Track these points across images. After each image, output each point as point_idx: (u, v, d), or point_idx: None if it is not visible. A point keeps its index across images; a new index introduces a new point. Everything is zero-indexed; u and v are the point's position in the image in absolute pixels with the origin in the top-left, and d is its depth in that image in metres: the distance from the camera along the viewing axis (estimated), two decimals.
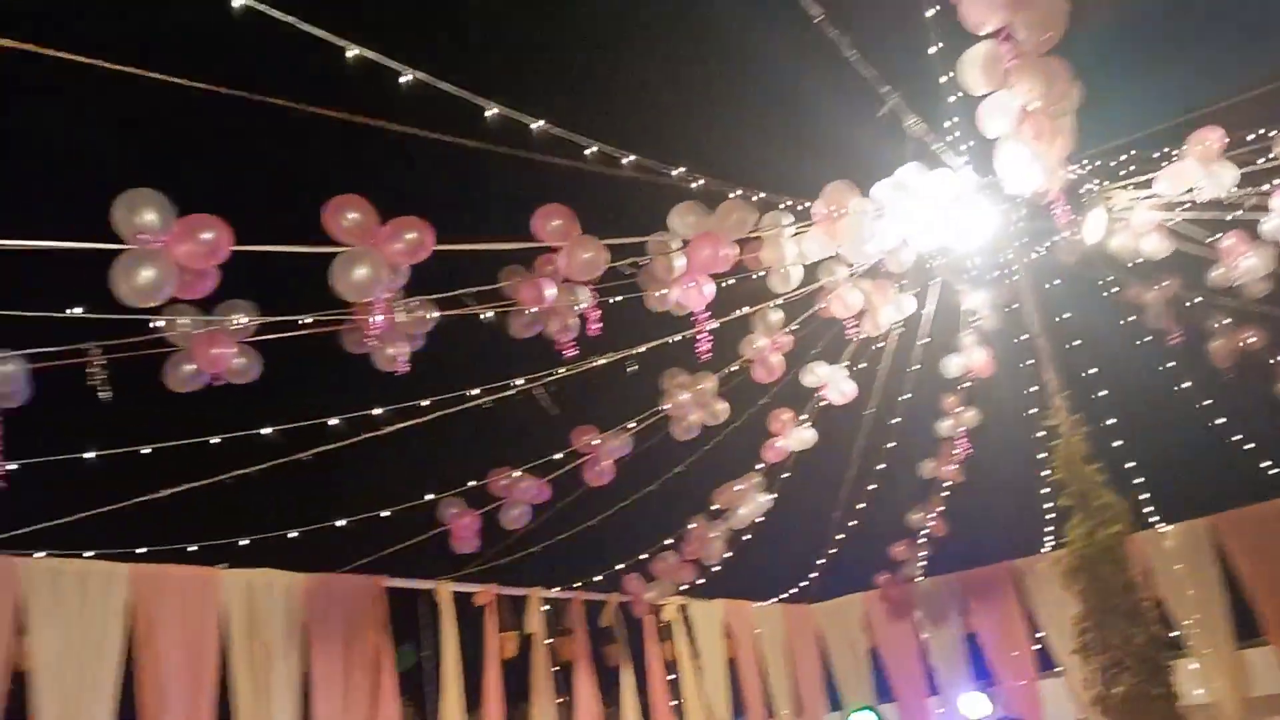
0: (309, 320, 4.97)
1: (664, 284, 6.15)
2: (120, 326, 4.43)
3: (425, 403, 6.08)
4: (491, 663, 9.02)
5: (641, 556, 9.94)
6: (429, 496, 7.30)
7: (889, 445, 10.02)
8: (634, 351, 6.64)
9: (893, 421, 9.79)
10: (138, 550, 6.75)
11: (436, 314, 5.51)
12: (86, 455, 5.42)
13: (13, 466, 5.09)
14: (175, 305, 4.85)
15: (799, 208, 6.26)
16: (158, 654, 6.84)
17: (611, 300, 6.05)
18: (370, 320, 4.86)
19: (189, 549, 6.98)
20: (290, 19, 3.59)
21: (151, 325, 4.50)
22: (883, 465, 10.22)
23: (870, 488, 10.39)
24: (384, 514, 7.18)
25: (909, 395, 9.56)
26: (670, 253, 6.03)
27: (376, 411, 5.92)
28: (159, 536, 6.82)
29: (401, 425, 6.34)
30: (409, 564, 8.41)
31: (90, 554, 6.63)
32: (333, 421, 5.86)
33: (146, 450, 5.58)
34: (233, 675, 7.26)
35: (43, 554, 6.42)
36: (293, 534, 7.06)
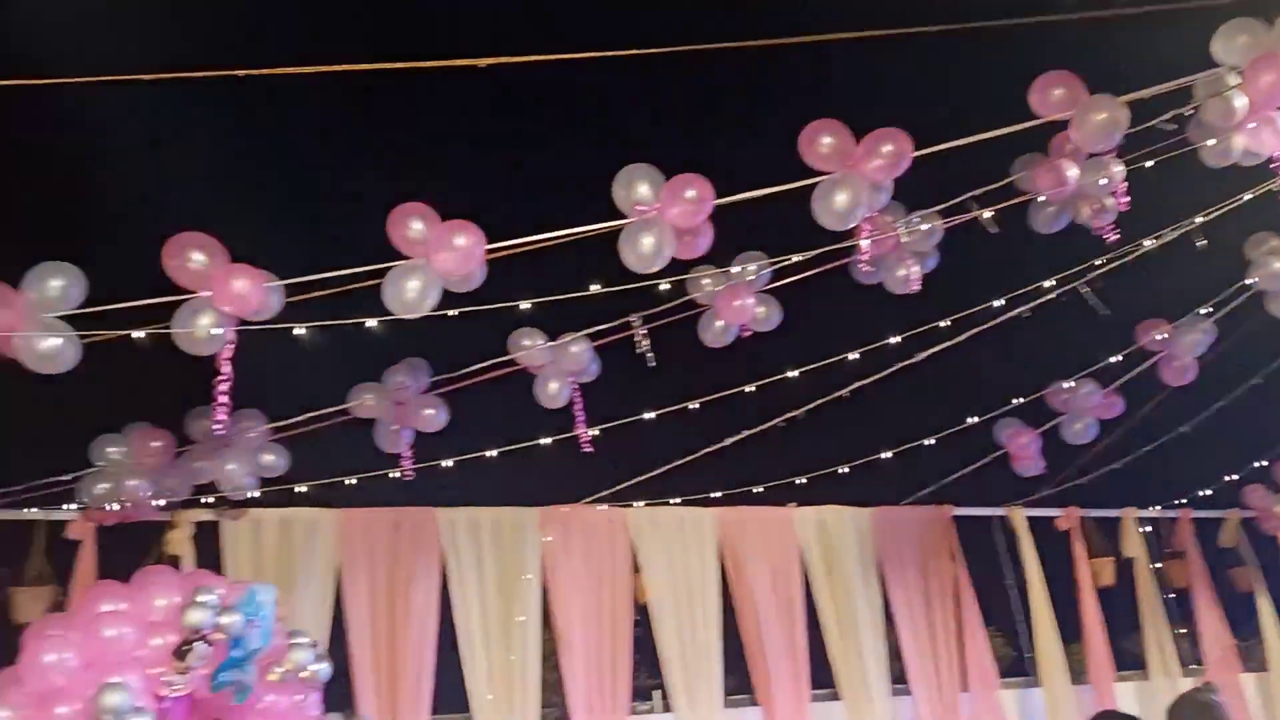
0: (796, 259, 4.94)
1: (1222, 131, 4.97)
2: (638, 296, 4.84)
3: (945, 323, 5.70)
4: (1086, 591, 8.33)
5: (1260, 464, 8.35)
6: (970, 420, 6.89)
7: None
8: (1193, 223, 5.48)
9: None
10: (712, 495, 7.45)
11: (940, 224, 5.13)
12: (646, 415, 6.08)
13: (595, 432, 5.95)
14: (699, 267, 5.19)
15: None
16: (749, 587, 7.49)
17: (1150, 165, 5.06)
18: (861, 245, 4.70)
19: (754, 490, 7.51)
20: None
21: (661, 289, 4.84)
22: None
23: None
24: (928, 442, 6.96)
25: None
26: (1224, 91, 4.85)
27: (894, 340, 5.70)
28: (725, 481, 7.44)
29: (933, 350, 6.05)
30: (978, 491, 8.10)
31: (676, 500, 7.48)
32: (853, 356, 5.80)
33: (694, 405, 6.08)
34: (819, 607, 7.69)
35: (641, 503, 7.40)
36: (843, 469, 7.18)
